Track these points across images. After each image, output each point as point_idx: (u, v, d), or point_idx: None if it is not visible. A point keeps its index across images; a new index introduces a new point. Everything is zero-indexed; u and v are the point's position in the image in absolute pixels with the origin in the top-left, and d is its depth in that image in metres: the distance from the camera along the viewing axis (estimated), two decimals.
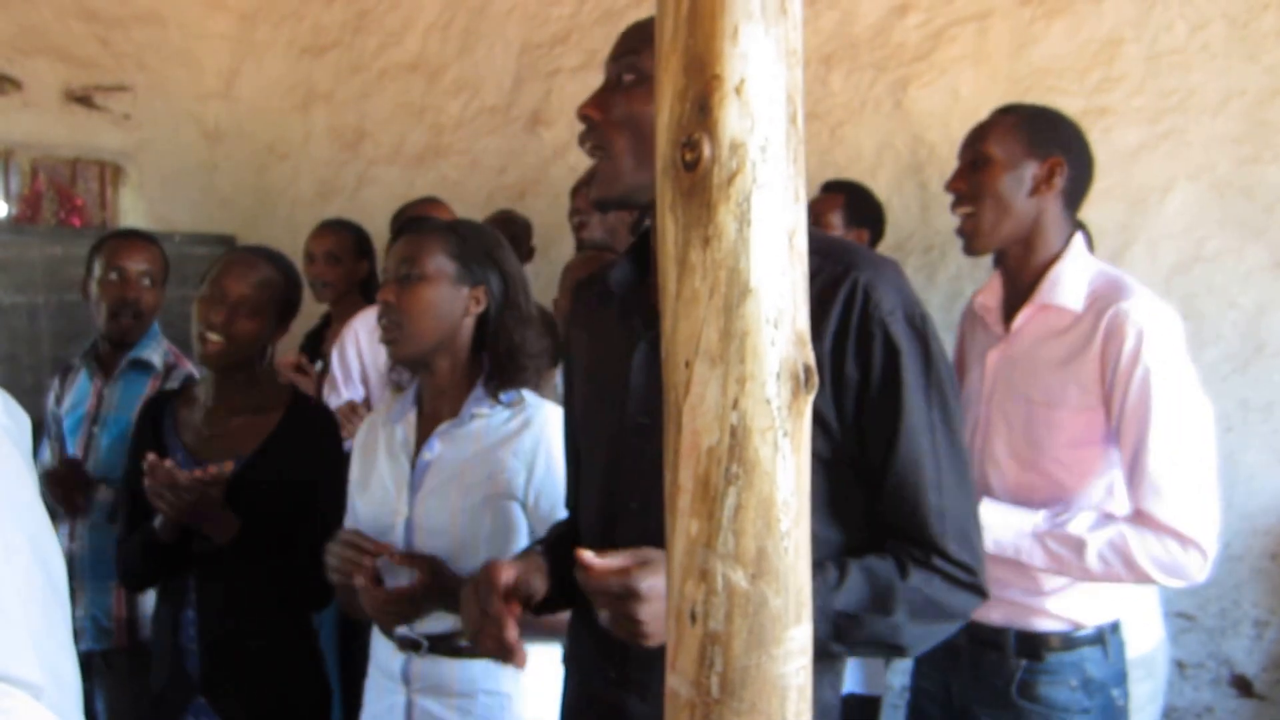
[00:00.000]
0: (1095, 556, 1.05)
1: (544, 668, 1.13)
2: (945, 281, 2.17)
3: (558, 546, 0.93)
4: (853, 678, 1.59)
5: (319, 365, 2.15)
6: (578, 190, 1.97)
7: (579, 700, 0.91)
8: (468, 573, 1.05)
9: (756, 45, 0.43)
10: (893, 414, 0.75)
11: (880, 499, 0.77)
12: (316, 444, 1.35)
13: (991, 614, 1.15)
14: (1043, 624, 1.15)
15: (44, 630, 0.63)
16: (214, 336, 1.29)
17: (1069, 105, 1.99)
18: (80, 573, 1.62)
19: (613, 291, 0.87)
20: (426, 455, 1.15)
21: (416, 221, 1.23)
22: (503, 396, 1.15)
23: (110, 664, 1.63)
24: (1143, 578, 1.06)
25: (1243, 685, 1.88)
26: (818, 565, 0.70)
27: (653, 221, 0.83)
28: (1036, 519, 1.09)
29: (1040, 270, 1.17)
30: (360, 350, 2.01)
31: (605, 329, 0.88)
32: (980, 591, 0.79)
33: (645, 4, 2.54)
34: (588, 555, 0.70)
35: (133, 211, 2.99)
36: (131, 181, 2.99)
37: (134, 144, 2.93)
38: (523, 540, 1.13)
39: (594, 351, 0.91)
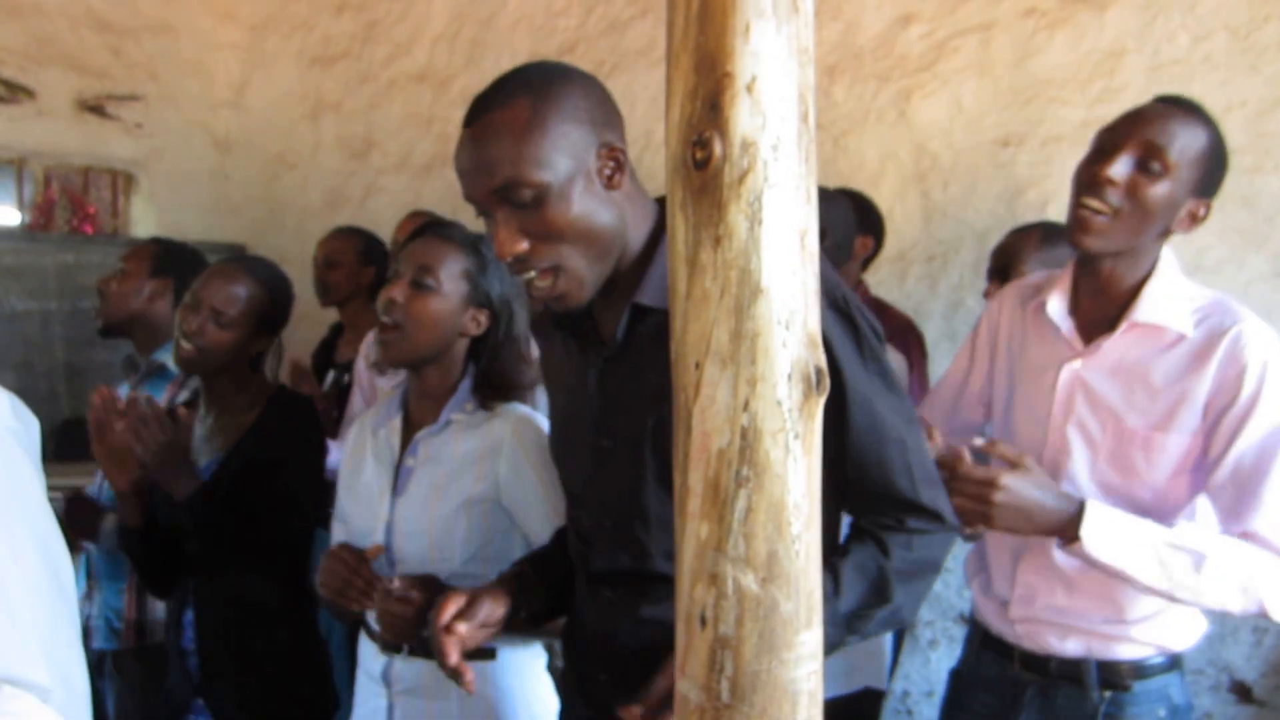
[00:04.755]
0: (1214, 571, 0.97)
1: (523, 671, 1.14)
2: (947, 290, 2.17)
3: (549, 560, 0.99)
4: (849, 674, 1.51)
5: (330, 376, 2.15)
6: None
7: (574, 712, 0.93)
8: (445, 575, 1.08)
9: (768, 43, 0.42)
10: (838, 392, 0.77)
11: (846, 476, 0.80)
12: (291, 428, 1.36)
13: (1066, 645, 1.09)
14: (1125, 651, 1.08)
15: (51, 632, 0.63)
16: (186, 344, 1.32)
17: (1070, 116, 2.00)
18: (95, 573, 1.63)
19: (563, 323, 0.88)
20: (409, 462, 1.16)
21: (441, 224, 1.21)
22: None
23: (120, 665, 1.64)
24: (1246, 604, 0.99)
25: (1242, 691, 1.86)
26: None
27: None
28: (1153, 531, 1.00)
29: (1131, 286, 1.10)
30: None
31: (569, 356, 0.90)
32: (952, 527, 0.82)
33: (649, 14, 2.56)
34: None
35: (144, 220, 3.01)
36: (143, 190, 3.02)
37: (145, 153, 2.95)
38: (502, 535, 1.13)
39: (563, 378, 0.93)
